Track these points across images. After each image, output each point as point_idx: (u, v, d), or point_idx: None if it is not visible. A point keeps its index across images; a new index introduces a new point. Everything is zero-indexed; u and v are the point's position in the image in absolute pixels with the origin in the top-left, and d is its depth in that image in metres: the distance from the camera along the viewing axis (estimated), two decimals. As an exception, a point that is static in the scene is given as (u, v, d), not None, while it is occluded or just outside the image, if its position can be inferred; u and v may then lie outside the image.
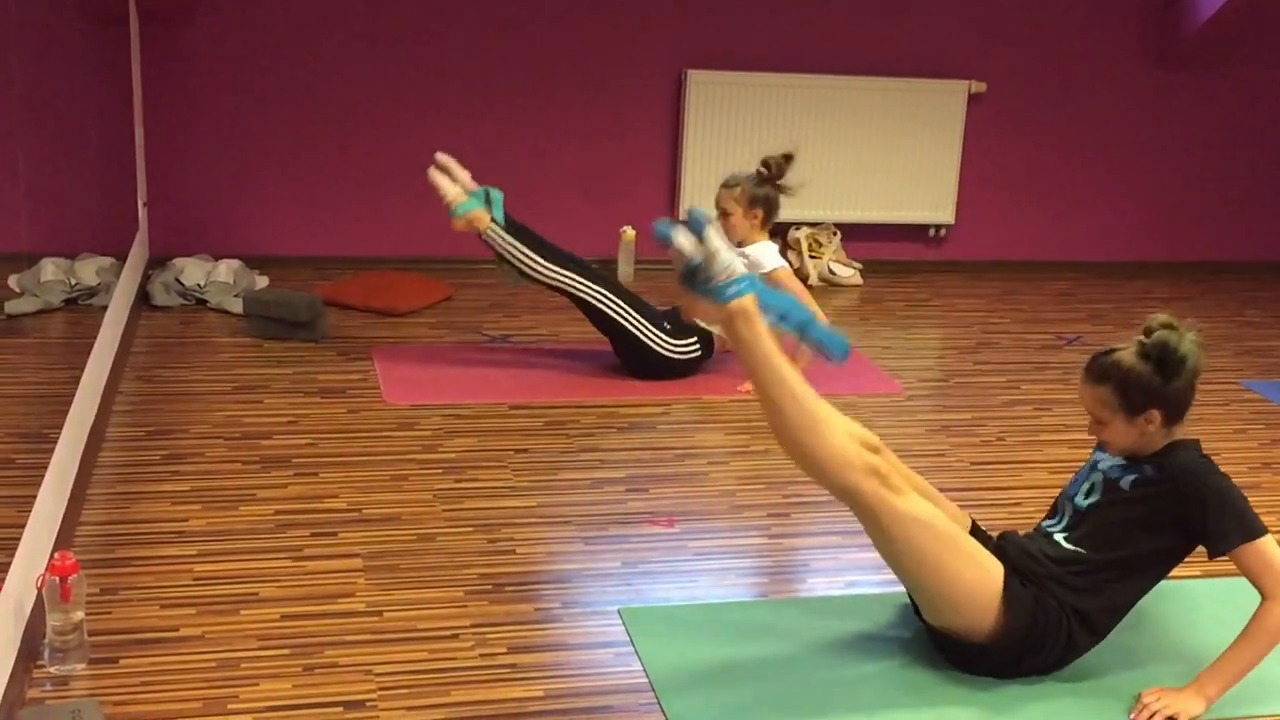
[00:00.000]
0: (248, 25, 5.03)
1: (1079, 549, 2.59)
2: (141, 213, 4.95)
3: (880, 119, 5.60)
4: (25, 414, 2.95)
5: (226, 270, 4.83)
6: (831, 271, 5.56)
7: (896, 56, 5.60)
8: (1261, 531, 2.49)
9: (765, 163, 4.29)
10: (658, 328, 4.21)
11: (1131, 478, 2.59)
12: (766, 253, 4.26)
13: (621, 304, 4.20)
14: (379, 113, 5.22)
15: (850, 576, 3.04)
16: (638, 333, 4.19)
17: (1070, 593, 2.56)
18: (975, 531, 2.71)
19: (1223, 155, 6.05)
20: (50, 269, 3.71)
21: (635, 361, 4.25)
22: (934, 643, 2.66)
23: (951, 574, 2.49)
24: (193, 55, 5.00)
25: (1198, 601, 2.95)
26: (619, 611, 2.79)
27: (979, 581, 2.50)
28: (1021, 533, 2.74)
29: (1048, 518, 2.75)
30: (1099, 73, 5.81)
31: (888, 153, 5.66)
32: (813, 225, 5.63)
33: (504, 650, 2.62)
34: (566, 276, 4.18)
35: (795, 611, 2.86)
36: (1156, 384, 2.52)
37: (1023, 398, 4.30)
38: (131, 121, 4.84)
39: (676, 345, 4.23)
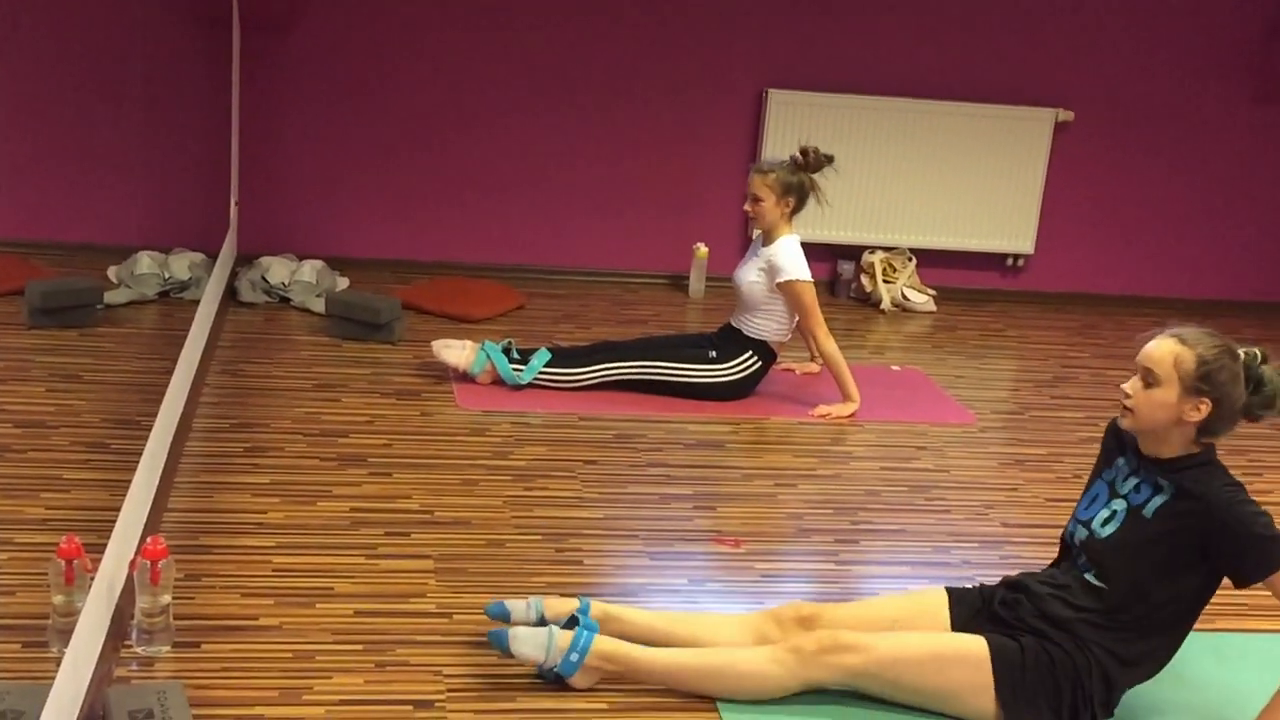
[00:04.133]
0: (342, 36, 5.14)
1: (1102, 584, 2.53)
2: (233, 211, 5.07)
3: (962, 145, 5.58)
4: (120, 401, 3.05)
5: (310, 270, 4.94)
6: (905, 297, 5.56)
7: (982, 82, 5.57)
8: None
9: (804, 150, 4.21)
10: (703, 362, 4.20)
11: (1157, 503, 2.51)
12: (790, 257, 4.16)
13: (659, 364, 4.21)
14: (460, 122, 5.30)
15: (916, 606, 3.04)
16: (684, 379, 4.20)
17: (1097, 631, 2.51)
18: (956, 595, 2.68)
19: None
20: (146, 262, 3.82)
21: (694, 398, 4.23)
22: None
23: (946, 689, 2.51)
24: (288, 62, 5.12)
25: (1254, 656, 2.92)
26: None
27: (968, 678, 2.50)
28: (1027, 572, 2.70)
29: (1065, 546, 2.68)
30: (1191, 106, 5.72)
31: (968, 179, 5.63)
32: (888, 250, 5.63)
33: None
34: (601, 370, 4.20)
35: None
36: (1230, 384, 2.45)
37: (1101, 435, 4.25)
38: (229, 123, 4.97)
39: (728, 369, 4.22)
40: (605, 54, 5.33)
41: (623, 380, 4.22)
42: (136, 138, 3.13)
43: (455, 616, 2.79)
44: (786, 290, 4.17)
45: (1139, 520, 2.54)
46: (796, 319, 4.28)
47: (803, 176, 4.20)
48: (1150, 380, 2.50)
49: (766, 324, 4.25)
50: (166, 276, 3.82)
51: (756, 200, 4.20)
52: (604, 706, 2.52)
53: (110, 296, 3.17)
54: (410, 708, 2.45)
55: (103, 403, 2.91)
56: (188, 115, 4.11)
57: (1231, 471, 2.53)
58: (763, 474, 3.74)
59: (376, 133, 5.26)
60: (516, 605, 2.66)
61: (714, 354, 4.23)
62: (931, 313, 5.53)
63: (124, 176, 3.06)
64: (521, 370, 4.16)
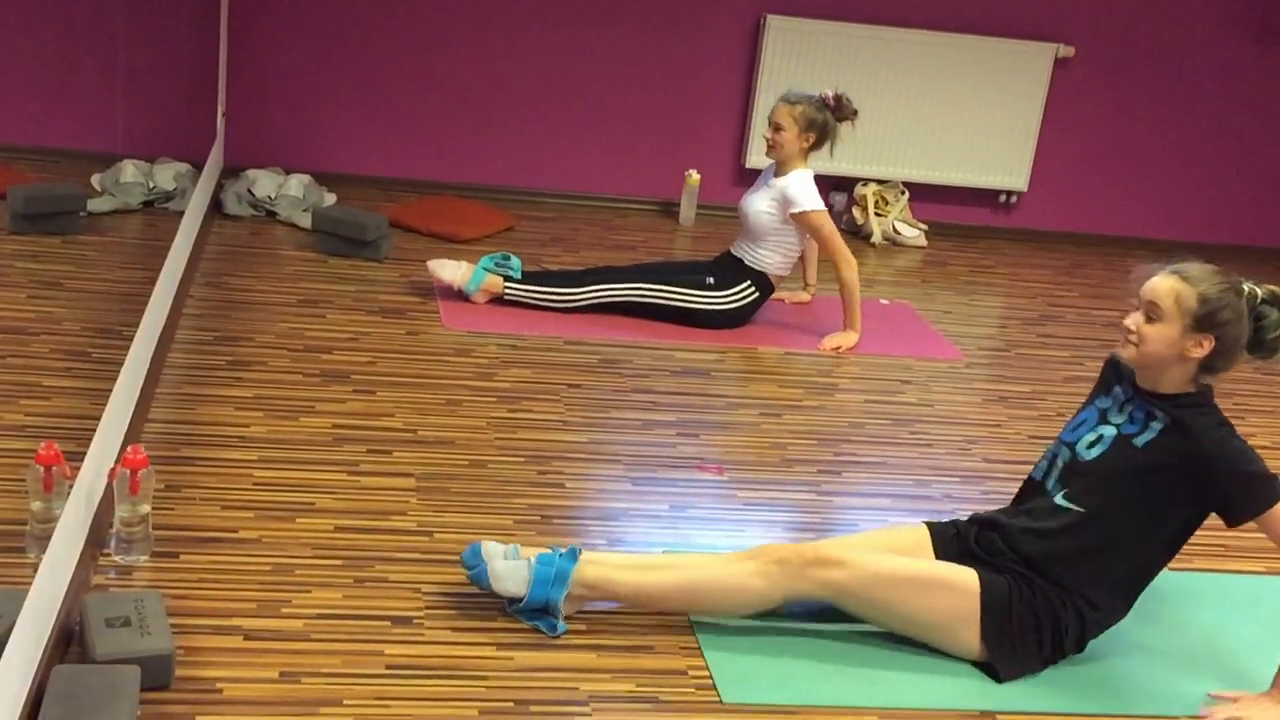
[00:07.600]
0: (335, -58, 5.05)
1: (1076, 506, 2.52)
2: (220, 122, 5.00)
3: (960, 78, 5.52)
4: (102, 310, 3.02)
5: (297, 185, 4.89)
6: (896, 231, 5.53)
7: (983, 14, 5.50)
8: None
9: (836, 95, 4.19)
10: (700, 288, 4.19)
11: (1148, 436, 2.50)
12: (804, 188, 4.14)
13: (655, 286, 4.19)
14: (454, 40, 5.22)
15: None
16: (679, 304, 4.19)
17: (1069, 568, 2.51)
18: (936, 530, 2.67)
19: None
20: (130, 170, 3.77)
21: (688, 324, 4.23)
22: None
23: (930, 617, 2.50)
24: (279, -33, 5.03)
25: (1231, 597, 2.94)
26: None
27: (955, 606, 2.49)
28: (998, 509, 2.70)
29: (1026, 486, 2.68)
30: (1194, 46, 5.65)
31: (965, 113, 5.58)
32: (880, 183, 5.59)
33: (549, 580, 2.67)
34: (596, 291, 4.19)
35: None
36: (1233, 322, 2.44)
37: (1086, 374, 4.24)
38: (218, 31, 4.89)
39: (725, 297, 4.21)
40: (602, -27, 5.24)
41: (617, 302, 4.20)
42: (123, 44, 3.07)
43: (436, 535, 2.79)
44: (803, 221, 4.16)
45: (1127, 449, 2.53)
46: (800, 252, 4.29)
47: (828, 116, 4.17)
48: (1153, 315, 2.49)
49: (770, 256, 4.24)
50: (151, 186, 3.78)
51: (778, 129, 4.16)
52: (583, 628, 2.53)
53: (94, 204, 3.14)
54: (388, 623, 2.46)
55: (84, 311, 2.88)
56: (176, 22, 4.03)
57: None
58: (748, 403, 3.74)
59: (368, 48, 5.18)
60: (492, 550, 2.53)
61: (711, 280, 4.21)
62: (922, 247, 5.51)
63: (110, 83, 3.00)
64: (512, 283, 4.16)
